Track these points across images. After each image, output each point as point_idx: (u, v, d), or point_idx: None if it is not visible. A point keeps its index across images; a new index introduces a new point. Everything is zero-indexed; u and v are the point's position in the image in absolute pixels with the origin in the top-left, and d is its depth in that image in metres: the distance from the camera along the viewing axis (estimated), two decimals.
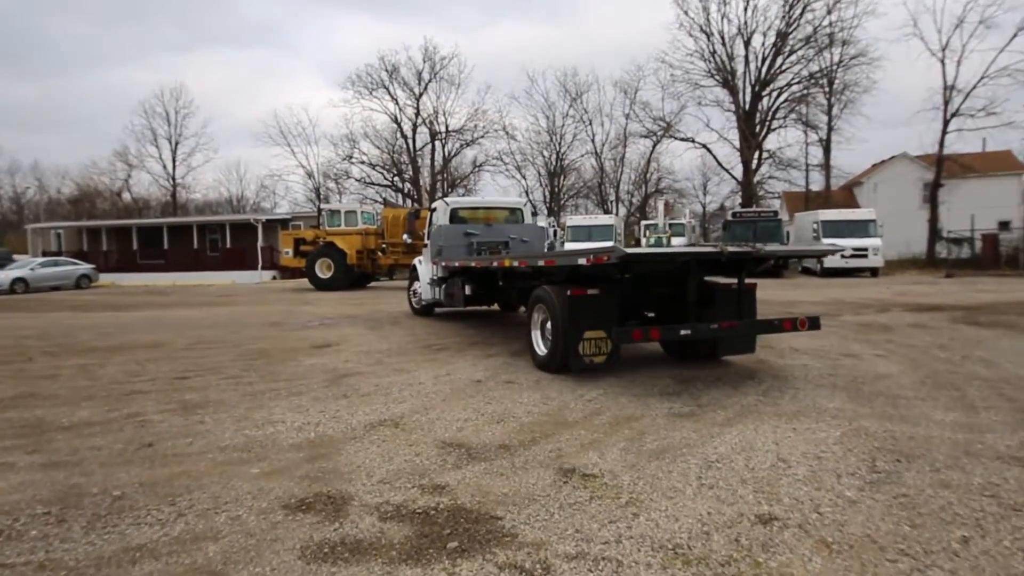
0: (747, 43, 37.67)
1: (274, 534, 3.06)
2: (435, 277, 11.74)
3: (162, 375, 7.03)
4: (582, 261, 5.93)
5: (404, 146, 49.73)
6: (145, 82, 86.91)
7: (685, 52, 40.45)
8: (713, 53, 38.39)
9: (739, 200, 39.79)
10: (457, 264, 10.60)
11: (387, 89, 48.08)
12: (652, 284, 6.92)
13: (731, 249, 5.94)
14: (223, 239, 35.59)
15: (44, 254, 34.80)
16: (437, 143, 49.90)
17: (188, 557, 2.85)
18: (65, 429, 4.91)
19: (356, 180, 50.34)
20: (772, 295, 15.61)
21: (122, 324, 12.78)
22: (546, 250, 18.95)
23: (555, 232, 31.32)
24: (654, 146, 46.47)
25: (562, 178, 52.48)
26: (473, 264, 10.01)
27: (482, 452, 4.16)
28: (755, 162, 38.89)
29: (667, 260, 6.69)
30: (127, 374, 7.15)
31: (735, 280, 6.78)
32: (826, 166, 37.56)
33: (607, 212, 44.69)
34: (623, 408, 5.18)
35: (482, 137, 49.78)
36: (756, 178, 39.44)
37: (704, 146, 41.40)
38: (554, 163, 51.63)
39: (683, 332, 5.89)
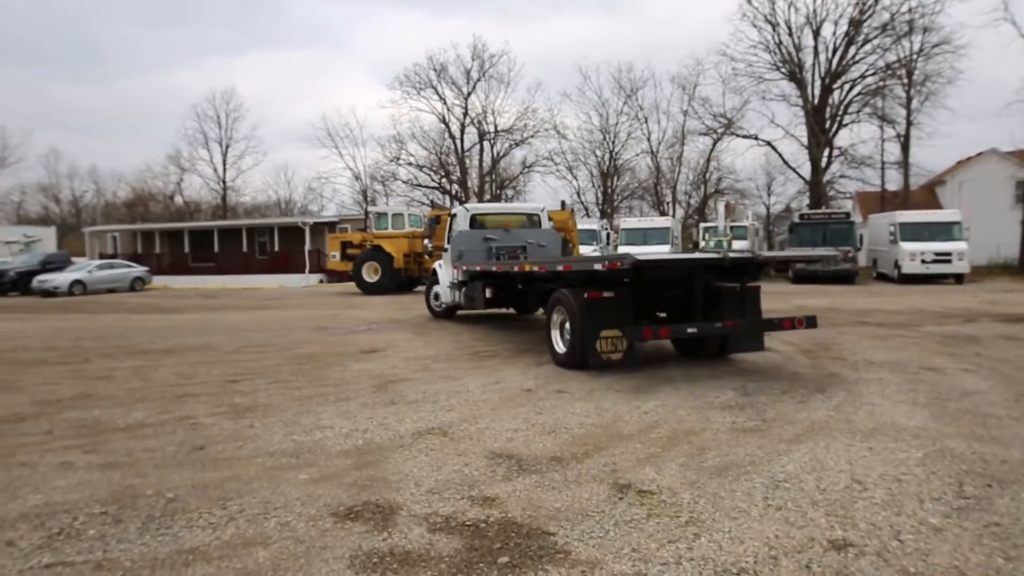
0: (816, 33, 35.36)
1: (323, 542, 3.01)
2: (455, 281, 12.05)
3: (212, 378, 7.14)
4: (598, 267, 6.69)
5: (452, 147, 49.74)
6: (197, 86, 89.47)
7: (748, 44, 37.38)
8: (779, 44, 36.22)
9: (807, 201, 37.94)
10: (478, 268, 10.99)
11: (435, 89, 48.18)
12: (663, 287, 7.44)
13: (732, 255, 7.06)
14: (271, 242, 36.31)
15: (101, 256, 36.11)
16: (485, 143, 49.81)
17: (239, 562, 2.83)
18: (120, 430, 5.01)
19: (403, 182, 50.54)
20: (843, 303, 15.06)
21: (174, 327, 13.12)
22: (600, 253, 19.14)
23: (608, 235, 30.60)
24: (714, 144, 44.33)
25: (616, 178, 51.46)
26: (494, 268, 10.47)
27: (533, 464, 4.05)
28: (825, 160, 36.65)
29: (676, 266, 7.53)
30: (179, 376, 7.28)
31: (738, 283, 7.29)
32: (904, 164, 35.16)
33: (663, 214, 43.59)
34: (682, 421, 5.00)
35: (532, 137, 49.32)
36: (826, 177, 37.16)
37: (768, 143, 39.32)
38: (607, 163, 50.74)
39: (690, 330, 6.64)
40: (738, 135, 41.23)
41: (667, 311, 7.71)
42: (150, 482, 3.82)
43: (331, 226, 34.70)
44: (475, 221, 12.13)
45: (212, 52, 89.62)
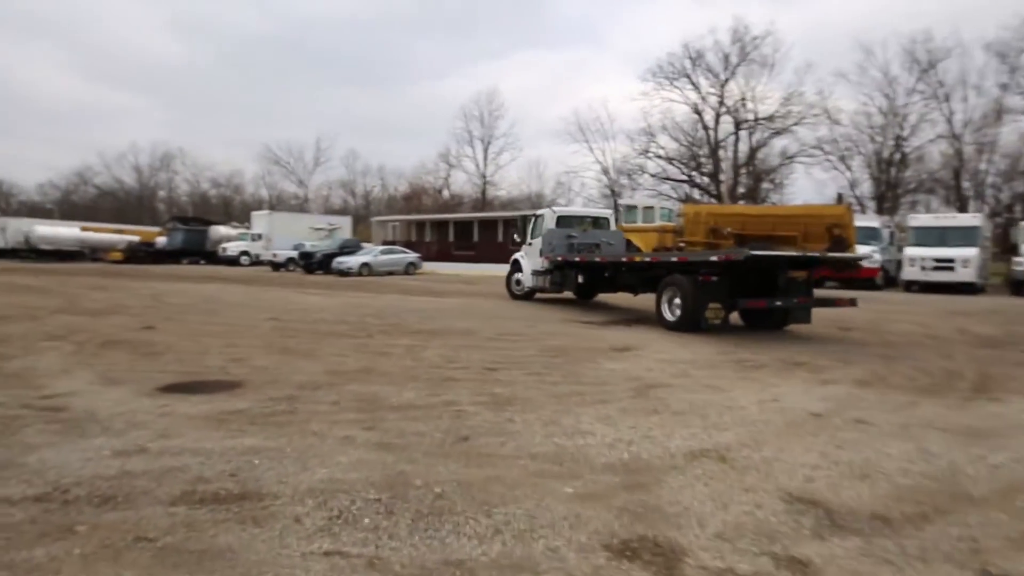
0: None
1: None
2: (539, 269, 14.84)
3: (473, 363, 7.29)
4: (714, 258, 9.56)
5: (705, 138, 47.55)
6: (467, 89, 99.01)
7: None
8: None
9: None
10: (577, 259, 13.61)
11: (689, 77, 46.57)
12: (755, 274, 9.90)
13: (808, 254, 9.98)
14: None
15: (384, 243, 41.35)
16: (742, 133, 46.74)
17: None
18: (394, 409, 5.19)
19: (651, 175, 49.77)
20: None
21: (440, 309, 14.13)
22: (879, 255, 22.29)
23: (892, 234, 25.98)
24: None
25: (900, 168, 44.57)
26: (597, 259, 13.25)
27: (849, 520, 3.18)
28: None
29: (773, 260, 9.74)
30: (444, 359, 7.57)
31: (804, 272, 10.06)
32: None
33: (962, 210, 36.57)
34: None
35: (796, 124, 44.95)
36: None
37: None
38: (891, 150, 44.11)
39: (777, 303, 9.70)
40: None
41: (750, 290, 9.81)
42: (419, 471, 3.77)
43: None
44: (560, 221, 15.07)
45: (482, 57, 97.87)
